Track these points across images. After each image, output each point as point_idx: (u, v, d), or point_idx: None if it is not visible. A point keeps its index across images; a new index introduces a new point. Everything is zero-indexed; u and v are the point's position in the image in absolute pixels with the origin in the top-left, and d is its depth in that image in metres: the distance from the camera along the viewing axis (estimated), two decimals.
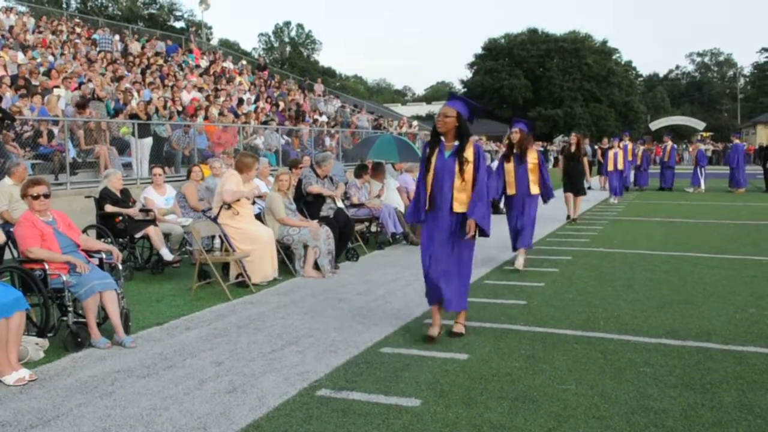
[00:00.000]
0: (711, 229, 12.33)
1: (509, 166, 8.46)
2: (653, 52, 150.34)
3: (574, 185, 13.49)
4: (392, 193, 11.34)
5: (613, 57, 69.15)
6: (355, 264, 9.18)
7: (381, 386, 4.39)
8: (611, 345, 5.25)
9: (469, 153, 5.37)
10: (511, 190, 8.49)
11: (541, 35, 67.16)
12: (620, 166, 18.86)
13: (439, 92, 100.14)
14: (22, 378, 4.53)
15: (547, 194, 8.60)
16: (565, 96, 63.73)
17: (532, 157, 8.39)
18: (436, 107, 78.16)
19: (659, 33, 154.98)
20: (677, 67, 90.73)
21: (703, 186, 22.23)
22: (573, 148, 13.79)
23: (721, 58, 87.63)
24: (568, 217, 13.58)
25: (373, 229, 10.85)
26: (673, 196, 20.31)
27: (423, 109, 77.55)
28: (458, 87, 79.24)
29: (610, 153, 19.19)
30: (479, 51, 69.15)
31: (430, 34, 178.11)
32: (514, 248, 8.65)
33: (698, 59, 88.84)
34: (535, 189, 8.47)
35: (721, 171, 27.35)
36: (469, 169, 5.35)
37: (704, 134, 53.44)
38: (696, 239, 11.03)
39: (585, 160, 13.77)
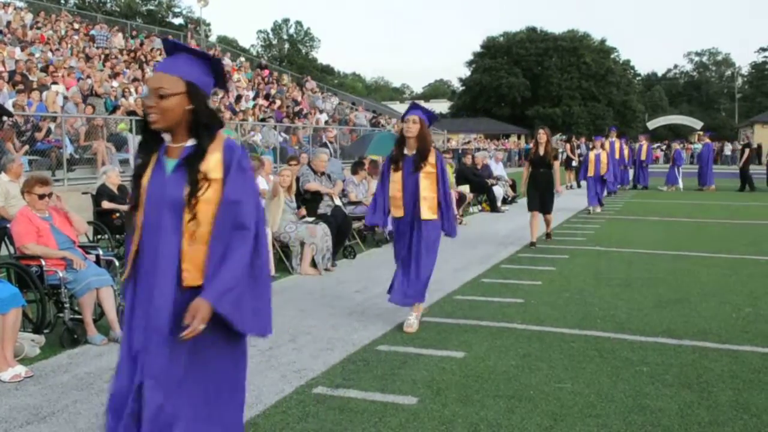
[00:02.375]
0: (708, 229, 12.34)
1: (397, 176, 5.64)
2: (651, 51, 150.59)
3: (541, 200, 10.19)
4: None
5: (612, 56, 69.18)
6: (352, 262, 9.18)
7: (378, 384, 4.38)
8: (608, 344, 5.25)
9: (211, 163, 2.54)
10: (398, 212, 5.68)
11: (540, 34, 67.18)
12: (603, 171, 15.59)
13: (437, 90, 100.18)
14: (18, 374, 4.52)
15: (448, 227, 5.75)
16: (564, 95, 63.75)
17: (431, 163, 5.55)
18: (434, 105, 78.22)
19: (657, 32, 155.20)
20: (675, 66, 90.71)
21: (681, 184, 22.47)
22: (541, 150, 10.09)
23: (719, 58, 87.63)
24: (532, 243, 10.19)
25: None
26: (669, 196, 20.32)
27: None
28: (456, 85, 79.23)
29: (591, 155, 16.00)
30: (478, 49, 69.18)
31: (428, 32, 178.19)
32: (401, 299, 5.72)
33: (696, 58, 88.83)
34: (429, 212, 5.59)
35: (721, 171, 27.39)
36: (211, 194, 2.52)
37: (701, 133, 53.49)
38: (693, 238, 11.04)
39: (557, 164, 10.31)
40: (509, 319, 5.99)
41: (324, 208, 9.23)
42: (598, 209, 15.31)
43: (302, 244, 8.27)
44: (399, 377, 4.51)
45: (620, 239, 10.98)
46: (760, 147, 40.52)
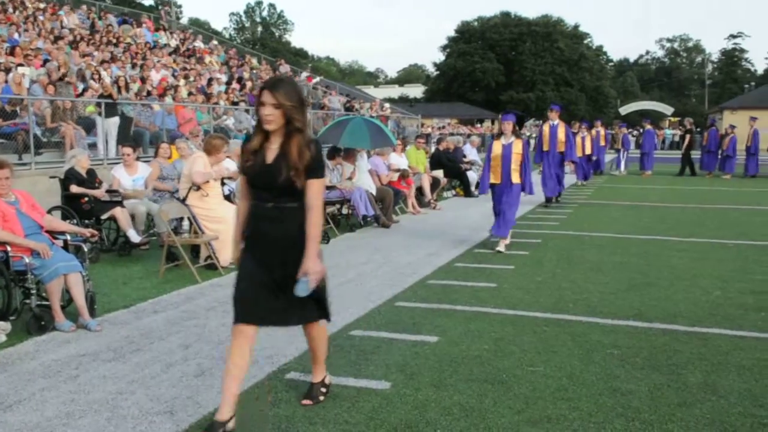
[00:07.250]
0: (678, 214, 12.50)
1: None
2: (624, 37, 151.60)
3: (266, 290, 3.78)
4: (364, 176, 11.28)
5: (585, 41, 69.62)
6: (325, 246, 9.12)
7: (350, 369, 4.38)
8: (580, 327, 5.30)
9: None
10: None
11: (514, 18, 67.37)
12: (516, 177, 8.58)
13: (411, 75, 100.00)
14: None
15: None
16: (537, 80, 64.08)
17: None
18: (408, 90, 78.32)
19: (630, 18, 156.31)
20: (647, 53, 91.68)
21: (623, 169, 23.64)
22: (271, 152, 3.43)
23: (690, 44, 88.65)
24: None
25: (345, 211, 10.80)
26: (640, 181, 20.54)
27: (395, 91, 77.47)
28: (431, 70, 79.29)
29: (496, 147, 8.68)
30: (452, 34, 69.15)
31: (403, 16, 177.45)
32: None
33: (668, 45, 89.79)
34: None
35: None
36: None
37: (672, 119, 54.22)
38: (663, 223, 11.18)
39: (317, 188, 3.48)
40: (483, 304, 6.01)
41: None
42: (506, 242, 8.70)
43: None
44: (372, 362, 4.51)
45: (592, 224, 11.07)
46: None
